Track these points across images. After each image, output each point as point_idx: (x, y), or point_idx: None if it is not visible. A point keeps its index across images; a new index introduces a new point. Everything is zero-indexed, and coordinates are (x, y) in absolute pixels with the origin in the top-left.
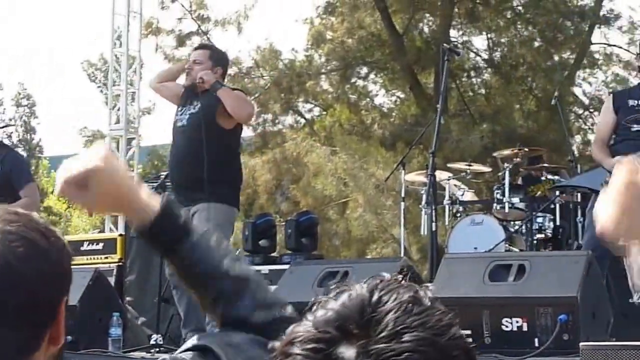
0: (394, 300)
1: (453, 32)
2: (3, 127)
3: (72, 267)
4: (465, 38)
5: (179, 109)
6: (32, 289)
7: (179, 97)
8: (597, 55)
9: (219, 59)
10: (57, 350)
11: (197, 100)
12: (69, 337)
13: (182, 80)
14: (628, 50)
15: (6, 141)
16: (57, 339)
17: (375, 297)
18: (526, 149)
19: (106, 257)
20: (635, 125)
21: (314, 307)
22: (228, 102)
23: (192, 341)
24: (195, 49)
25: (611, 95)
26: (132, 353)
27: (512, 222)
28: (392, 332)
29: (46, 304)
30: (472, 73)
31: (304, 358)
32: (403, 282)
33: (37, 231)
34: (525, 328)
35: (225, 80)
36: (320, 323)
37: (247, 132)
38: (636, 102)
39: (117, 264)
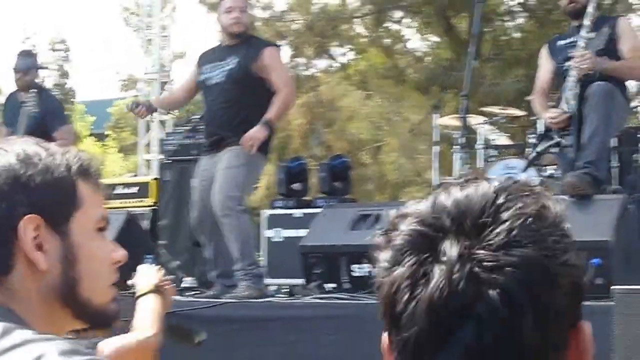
0: (516, 209)
1: None
2: (39, 68)
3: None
4: None
5: (206, 66)
6: None
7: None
8: (632, 0)
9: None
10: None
11: (233, 55)
12: None
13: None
14: None
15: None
16: (34, 263)
17: (499, 200)
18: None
19: (140, 201)
20: (567, 64)
21: (441, 190)
22: (283, 114)
23: None
24: None
25: (546, 43)
26: None
27: (545, 167)
28: (502, 242)
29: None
30: (507, 17)
31: (408, 237)
32: (535, 189)
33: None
34: None
35: (258, 24)
36: (437, 208)
37: None
38: (564, 41)
39: (151, 208)
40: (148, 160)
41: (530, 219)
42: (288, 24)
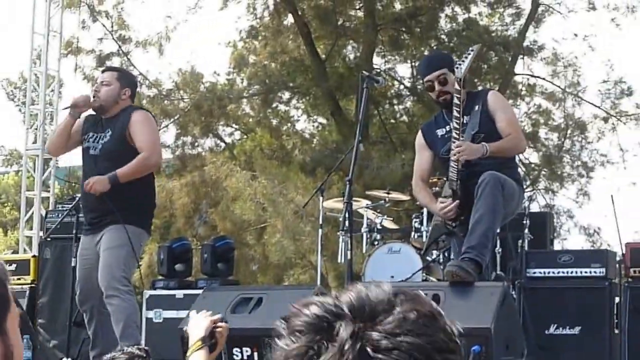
0: (411, 305)
1: (377, 59)
2: None
3: None
4: (388, 65)
5: (89, 134)
6: None
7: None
8: (520, 87)
9: (127, 80)
10: None
11: (108, 127)
12: None
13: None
14: (551, 82)
15: None
16: None
17: (396, 297)
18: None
19: (19, 279)
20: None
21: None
22: (136, 175)
23: None
24: (103, 71)
25: (420, 130)
26: None
27: (429, 252)
28: (394, 328)
29: None
30: (395, 100)
31: (307, 319)
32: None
33: None
34: None
35: (143, 102)
36: (340, 298)
37: (165, 155)
38: (443, 130)
39: (29, 286)
40: (29, 237)
41: (423, 316)
42: (175, 103)
